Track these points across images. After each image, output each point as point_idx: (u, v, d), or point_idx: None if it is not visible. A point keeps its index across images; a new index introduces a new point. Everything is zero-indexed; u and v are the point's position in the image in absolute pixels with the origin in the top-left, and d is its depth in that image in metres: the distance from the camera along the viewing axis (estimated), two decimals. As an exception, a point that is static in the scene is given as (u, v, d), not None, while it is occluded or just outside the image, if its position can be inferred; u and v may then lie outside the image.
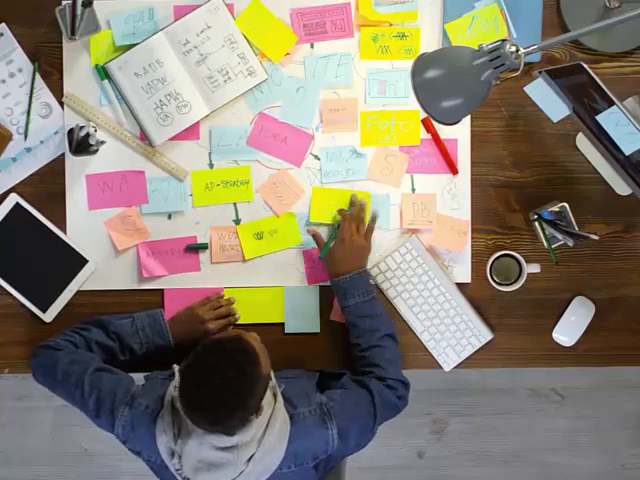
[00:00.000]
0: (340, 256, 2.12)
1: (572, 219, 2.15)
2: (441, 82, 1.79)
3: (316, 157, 2.20)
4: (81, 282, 2.20)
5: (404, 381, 2.07)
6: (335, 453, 1.94)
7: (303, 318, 2.20)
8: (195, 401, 1.75)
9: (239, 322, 2.19)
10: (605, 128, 1.89)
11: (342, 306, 2.12)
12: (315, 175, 2.20)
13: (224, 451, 1.80)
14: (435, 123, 2.16)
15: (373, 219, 2.19)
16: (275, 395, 1.89)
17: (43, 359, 2.06)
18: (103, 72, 2.16)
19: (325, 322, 2.20)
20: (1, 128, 2.16)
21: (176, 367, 1.88)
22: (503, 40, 1.74)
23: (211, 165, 2.20)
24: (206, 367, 1.74)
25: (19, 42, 2.17)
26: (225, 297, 2.19)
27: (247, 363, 1.75)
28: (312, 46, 2.19)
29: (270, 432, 1.84)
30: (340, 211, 2.18)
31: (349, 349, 2.13)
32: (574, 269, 2.22)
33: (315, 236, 2.16)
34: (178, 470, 1.86)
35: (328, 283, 2.17)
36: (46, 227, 2.18)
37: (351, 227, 2.13)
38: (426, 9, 2.18)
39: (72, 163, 2.19)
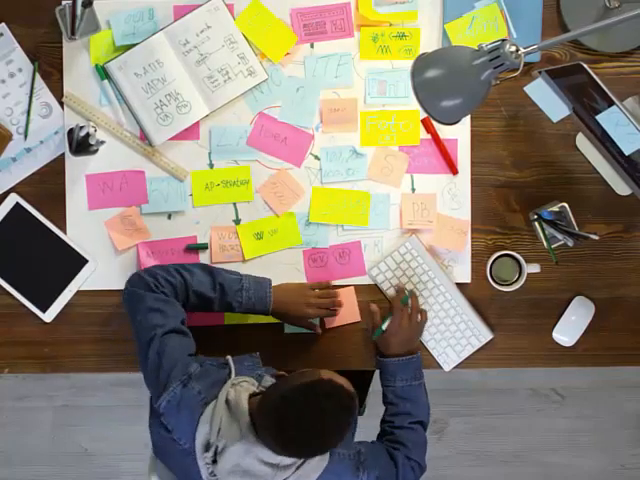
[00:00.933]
0: (394, 340, 2.11)
1: (572, 219, 2.15)
2: (441, 82, 1.79)
3: (316, 157, 2.20)
4: (81, 282, 2.20)
5: (423, 467, 2.09)
6: None
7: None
8: (283, 425, 1.72)
9: (236, 323, 2.18)
10: (605, 128, 1.89)
11: (386, 385, 2.12)
12: (315, 175, 2.20)
13: (265, 465, 1.79)
14: (435, 123, 2.16)
15: (422, 311, 2.17)
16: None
17: (132, 294, 2.01)
18: (103, 72, 2.16)
19: (327, 328, 2.20)
20: (1, 128, 2.16)
21: (230, 358, 1.89)
22: (503, 40, 1.74)
23: (211, 165, 2.20)
24: (314, 405, 1.71)
25: (19, 42, 2.17)
26: (331, 289, 2.18)
27: (347, 423, 1.75)
28: (312, 46, 2.19)
29: (309, 462, 1.84)
30: (394, 297, 2.16)
31: (379, 420, 2.14)
32: (574, 269, 2.22)
33: (373, 314, 2.15)
34: (207, 464, 1.83)
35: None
36: (46, 227, 2.18)
37: (404, 315, 2.13)
38: (426, 9, 2.18)
39: (72, 163, 2.19)
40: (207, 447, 1.83)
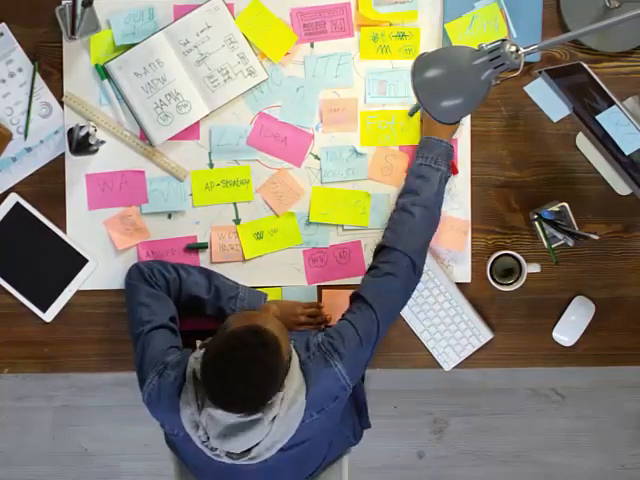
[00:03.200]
0: (429, 119, 2.03)
1: (572, 219, 2.15)
2: (441, 82, 1.79)
3: (316, 157, 2.20)
4: (81, 282, 2.20)
5: (413, 259, 2.02)
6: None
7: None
8: (217, 393, 1.75)
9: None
10: (605, 128, 1.89)
11: (410, 168, 2.12)
12: (315, 175, 2.20)
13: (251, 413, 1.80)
14: (435, 123, 2.15)
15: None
16: (290, 356, 1.86)
17: (128, 285, 2.08)
18: (103, 72, 2.16)
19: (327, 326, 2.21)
20: (1, 128, 2.16)
21: (199, 342, 1.91)
22: (503, 40, 1.74)
23: (211, 165, 2.20)
24: (227, 361, 1.74)
25: (19, 42, 2.17)
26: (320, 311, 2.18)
27: (268, 356, 1.75)
28: (312, 46, 2.19)
29: (290, 386, 1.83)
30: None
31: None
32: (574, 269, 2.22)
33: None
34: (204, 442, 1.85)
35: (327, 283, 2.19)
36: (46, 227, 2.18)
37: None
38: (426, 9, 2.18)
39: (72, 163, 2.19)
40: (196, 427, 1.84)
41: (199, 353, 1.87)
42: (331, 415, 1.94)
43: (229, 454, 1.84)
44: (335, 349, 1.91)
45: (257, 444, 1.82)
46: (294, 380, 1.84)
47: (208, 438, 1.84)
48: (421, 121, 2.17)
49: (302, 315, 2.14)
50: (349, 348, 1.92)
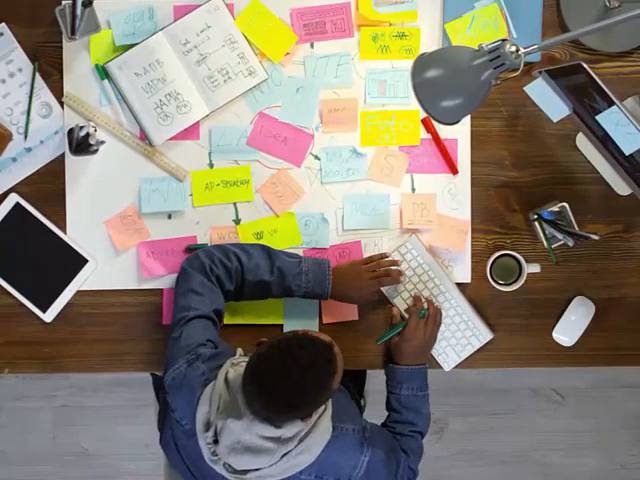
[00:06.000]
0: (406, 350, 2.13)
1: (572, 219, 2.15)
2: (441, 82, 1.79)
3: (316, 157, 2.20)
4: (81, 282, 2.20)
5: (417, 474, 2.09)
6: None
7: (302, 320, 2.19)
8: (263, 382, 1.74)
9: (235, 323, 2.18)
10: (605, 128, 1.89)
11: (391, 392, 2.13)
12: (315, 175, 2.20)
13: (266, 440, 1.80)
14: (435, 123, 2.16)
15: (439, 313, 2.17)
16: (326, 406, 1.88)
17: (184, 271, 2.05)
18: (103, 72, 2.16)
19: (324, 324, 2.20)
20: (1, 128, 2.16)
21: (240, 350, 1.91)
22: (503, 40, 1.74)
23: (211, 165, 2.20)
24: (289, 357, 1.73)
25: (19, 42, 2.17)
26: (387, 259, 2.16)
27: (326, 373, 1.75)
28: (312, 46, 2.19)
29: (312, 436, 1.84)
30: (411, 310, 2.16)
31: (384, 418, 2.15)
32: (574, 269, 2.22)
33: (393, 317, 2.17)
34: (209, 444, 1.84)
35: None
36: (46, 227, 2.18)
37: (419, 326, 2.13)
38: (426, 9, 2.18)
39: (72, 163, 2.18)
40: (207, 426, 1.84)
41: (239, 359, 1.87)
42: None
43: (226, 465, 1.84)
44: (376, 445, 1.94)
45: (258, 469, 1.83)
46: (318, 431, 1.85)
47: (215, 441, 1.83)
48: (389, 346, 2.17)
49: (365, 271, 2.11)
50: (380, 455, 1.95)
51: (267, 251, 2.08)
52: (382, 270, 2.12)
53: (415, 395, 2.11)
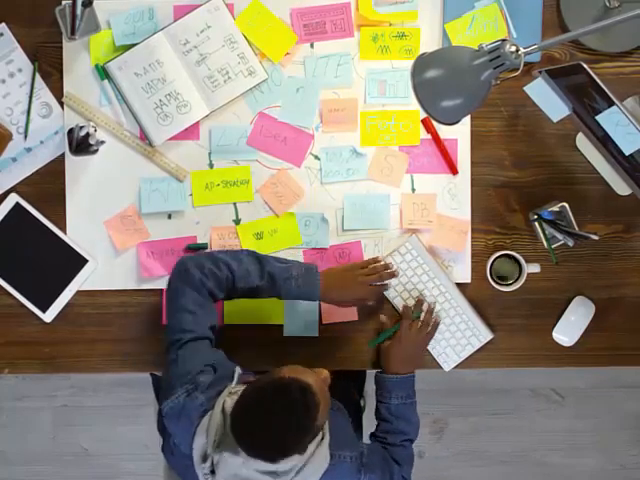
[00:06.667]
0: (395, 356, 2.13)
1: (572, 219, 2.15)
2: (441, 82, 1.79)
3: (316, 157, 2.20)
4: (81, 282, 2.20)
5: None
6: None
7: (302, 321, 2.20)
8: (244, 431, 1.73)
9: (236, 323, 2.18)
10: (605, 128, 1.89)
11: (380, 401, 2.13)
12: (315, 175, 2.20)
13: (264, 474, 1.79)
14: (435, 123, 2.16)
15: (435, 325, 2.17)
16: (323, 434, 1.86)
17: (176, 285, 1.99)
18: (103, 72, 2.16)
19: (324, 324, 2.20)
20: (1, 128, 2.16)
21: (238, 369, 1.89)
22: (503, 40, 1.74)
23: (211, 165, 2.20)
24: (264, 407, 1.72)
25: (19, 42, 2.17)
26: (381, 263, 2.15)
27: (306, 418, 1.73)
28: (312, 46, 2.19)
29: (309, 466, 1.83)
30: (405, 310, 2.17)
31: (372, 428, 2.16)
32: (574, 269, 2.22)
33: (382, 324, 2.17)
34: (206, 474, 1.82)
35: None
36: (46, 227, 2.18)
37: (412, 329, 2.14)
38: (426, 9, 2.18)
39: (72, 163, 2.18)
40: (204, 458, 1.82)
41: (236, 388, 1.85)
42: None
43: None
44: (373, 469, 1.94)
45: None
46: (315, 461, 1.84)
47: (212, 472, 1.81)
48: (379, 352, 2.17)
49: (359, 275, 2.10)
50: (380, 474, 1.97)
51: (256, 256, 2.05)
52: (376, 276, 2.11)
53: (404, 403, 2.11)
